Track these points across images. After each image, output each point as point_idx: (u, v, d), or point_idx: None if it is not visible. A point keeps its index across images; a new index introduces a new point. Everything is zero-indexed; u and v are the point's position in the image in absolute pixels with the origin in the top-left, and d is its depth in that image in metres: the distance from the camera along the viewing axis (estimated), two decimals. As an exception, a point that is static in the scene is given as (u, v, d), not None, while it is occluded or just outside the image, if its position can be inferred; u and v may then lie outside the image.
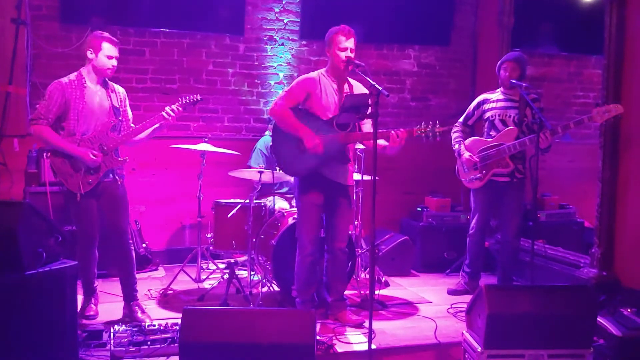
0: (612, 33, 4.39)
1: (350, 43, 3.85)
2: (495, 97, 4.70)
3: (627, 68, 4.35)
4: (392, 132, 3.67)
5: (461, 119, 4.86)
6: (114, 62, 3.90)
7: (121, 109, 4.02)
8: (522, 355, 3.06)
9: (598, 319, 3.39)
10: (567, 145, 6.22)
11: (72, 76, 3.90)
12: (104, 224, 4.03)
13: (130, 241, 4.11)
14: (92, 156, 3.79)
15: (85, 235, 3.97)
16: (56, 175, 3.88)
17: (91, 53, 3.87)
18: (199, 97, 4.02)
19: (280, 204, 5.11)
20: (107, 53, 3.86)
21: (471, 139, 4.74)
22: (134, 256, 4.12)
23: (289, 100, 3.88)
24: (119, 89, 4.08)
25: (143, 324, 3.66)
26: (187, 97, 3.99)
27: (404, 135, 3.66)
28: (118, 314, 4.05)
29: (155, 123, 3.93)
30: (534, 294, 3.15)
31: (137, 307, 4.04)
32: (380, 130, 3.55)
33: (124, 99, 4.08)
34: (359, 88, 4.01)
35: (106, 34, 3.93)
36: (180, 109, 3.94)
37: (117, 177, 3.98)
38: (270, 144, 4.61)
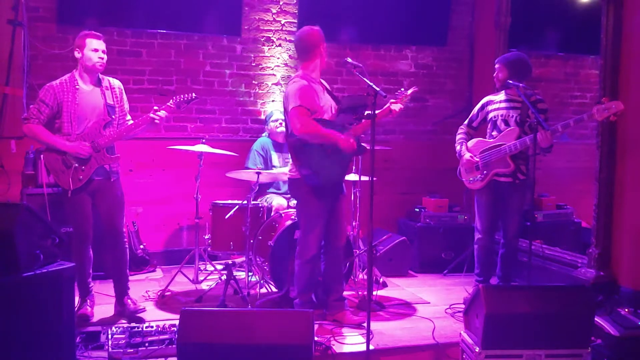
0: (609, 33, 4.40)
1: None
2: (498, 98, 4.69)
3: (623, 68, 4.36)
4: (389, 103, 4.10)
5: (466, 121, 4.86)
6: (101, 55, 3.91)
7: (116, 106, 4.02)
8: (519, 356, 3.06)
9: (595, 318, 3.39)
10: (564, 145, 6.23)
11: (65, 78, 3.93)
12: (100, 224, 4.04)
13: (126, 240, 4.13)
14: (82, 149, 3.82)
15: (79, 233, 3.99)
16: (49, 173, 3.94)
17: (78, 52, 3.90)
18: (193, 95, 4.00)
19: (278, 200, 5.10)
20: (91, 47, 3.88)
21: (474, 140, 4.74)
22: (128, 256, 4.15)
23: (307, 113, 3.73)
24: (115, 83, 4.08)
25: (140, 325, 3.65)
26: (182, 96, 3.97)
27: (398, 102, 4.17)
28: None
29: (145, 122, 3.94)
30: (532, 294, 3.15)
31: (129, 301, 4.07)
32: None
33: (119, 94, 4.07)
34: (326, 86, 4.07)
35: (89, 31, 3.94)
36: (172, 107, 3.94)
37: (111, 175, 3.98)
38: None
